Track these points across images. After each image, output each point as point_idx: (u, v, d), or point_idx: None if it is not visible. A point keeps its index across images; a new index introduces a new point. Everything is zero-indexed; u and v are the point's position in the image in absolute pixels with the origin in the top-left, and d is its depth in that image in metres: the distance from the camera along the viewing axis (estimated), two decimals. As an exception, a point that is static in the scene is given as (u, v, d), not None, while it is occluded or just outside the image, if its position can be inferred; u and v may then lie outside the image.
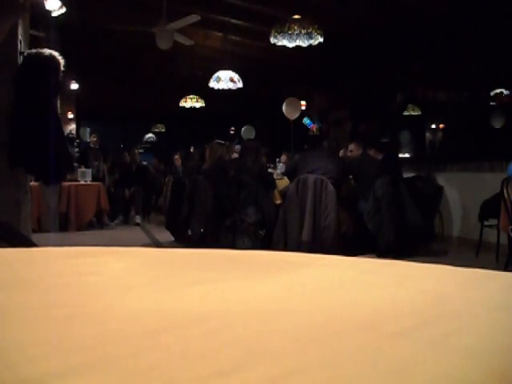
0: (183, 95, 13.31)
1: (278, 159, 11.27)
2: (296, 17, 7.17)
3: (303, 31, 7.05)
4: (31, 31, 7.30)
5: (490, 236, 6.34)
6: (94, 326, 0.46)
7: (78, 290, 0.61)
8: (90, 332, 0.44)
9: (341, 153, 7.59)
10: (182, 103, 13.31)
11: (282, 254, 0.86)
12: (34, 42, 7.15)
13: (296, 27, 7.06)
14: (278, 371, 0.35)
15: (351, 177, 6.82)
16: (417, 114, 13.22)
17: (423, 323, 0.47)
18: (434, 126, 14.14)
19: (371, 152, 7.04)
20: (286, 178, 6.82)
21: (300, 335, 0.43)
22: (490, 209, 6.11)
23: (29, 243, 1.20)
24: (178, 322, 0.46)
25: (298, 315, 0.49)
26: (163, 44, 8.36)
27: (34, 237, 4.50)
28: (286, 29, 7.06)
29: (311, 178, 5.83)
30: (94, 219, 9.78)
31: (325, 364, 0.37)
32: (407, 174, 7.85)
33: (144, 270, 0.75)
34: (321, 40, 7.16)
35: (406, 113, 13.11)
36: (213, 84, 10.12)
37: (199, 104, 13.23)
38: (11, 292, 0.60)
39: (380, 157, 6.94)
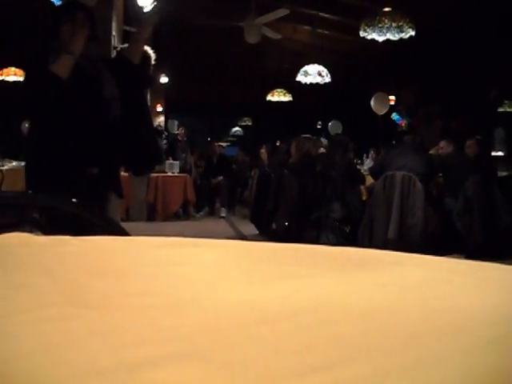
0: (270, 89, 13.35)
1: (365, 155, 11.12)
2: (387, 9, 7.03)
3: (394, 24, 6.90)
4: (124, 27, 7.54)
5: None
6: (188, 315, 0.47)
7: (171, 280, 0.62)
8: (185, 322, 0.45)
9: (432, 150, 7.40)
10: (269, 97, 13.35)
11: (373, 251, 0.85)
12: (126, 37, 7.38)
13: (386, 20, 6.91)
14: (373, 370, 0.35)
15: (440, 174, 6.64)
16: (513, 110, 12.68)
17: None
18: (531, 123, 13.52)
19: (469, 148, 6.81)
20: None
21: (395, 335, 0.42)
22: None
23: (122, 232, 1.23)
24: (272, 316, 0.46)
25: (392, 314, 0.48)
26: (251, 38, 8.41)
27: (123, 226, 4.64)
28: (376, 22, 6.93)
29: (399, 174, 5.71)
30: (181, 210, 9.97)
31: (420, 365, 0.36)
32: (501, 173, 7.55)
33: (234, 263, 0.75)
34: (412, 33, 6.99)
35: (500, 109, 12.60)
36: (300, 78, 10.09)
37: (286, 98, 13.22)
38: (108, 279, 0.62)
39: (472, 154, 6.72)
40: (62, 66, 2.55)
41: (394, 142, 11.71)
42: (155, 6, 3.18)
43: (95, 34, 2.87)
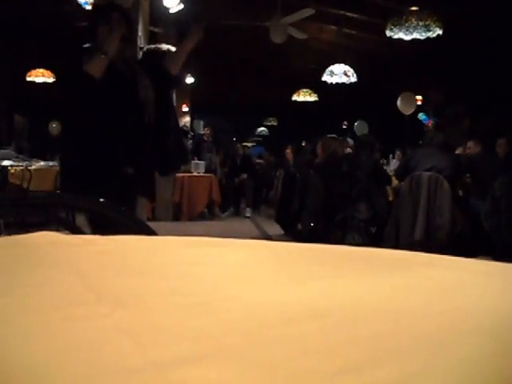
0: (296, 89, 13.33)
1: (391, 155, 11.03)
2: (413, 8, 6.98)
3: (421, 23, 6.85)
4: (150, 27, 7.60)
5: None
6: (215, 315, 0.47)
7: (198, 280, 0.62)
8: (212, 321, 0.45)
9: (458, 150, 7.32)
10: (295, 97, 13.34)
11: (399, 252, 0.84)
12: (152, 37, 7.45)
13: (413, 19, 6.86)
14: (401, 373, 0.35)
15: (468, 175, 6.57)
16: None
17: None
18: None
19: (499, 147, 6.73)
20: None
21: (422, 337, 0.42)
22: None
23: (150, 232, 1.24)
24: (298, 316, 0.46)
25: (419, 316, 0.48)
26: (277, 38, 8.41)
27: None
28: (403, 21, 6.89)
29: (425, 175, 5.66)
30: (206, 210, 10.00)
31: (448, 369, 0.36)
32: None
33: (260, 263, 0.75)
34: (439, 32, 6.93)
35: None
36: (326, 78, 10.06)
37: (312, 98, 13.20)
38: (136, 278, 0.62)
39: (502, 154, 6.64)
40: (96, 66, 2.59)
41: (420, 143, 11.61)
42: (202, 21, 3.21)
43: (130, 36, 2.91)
